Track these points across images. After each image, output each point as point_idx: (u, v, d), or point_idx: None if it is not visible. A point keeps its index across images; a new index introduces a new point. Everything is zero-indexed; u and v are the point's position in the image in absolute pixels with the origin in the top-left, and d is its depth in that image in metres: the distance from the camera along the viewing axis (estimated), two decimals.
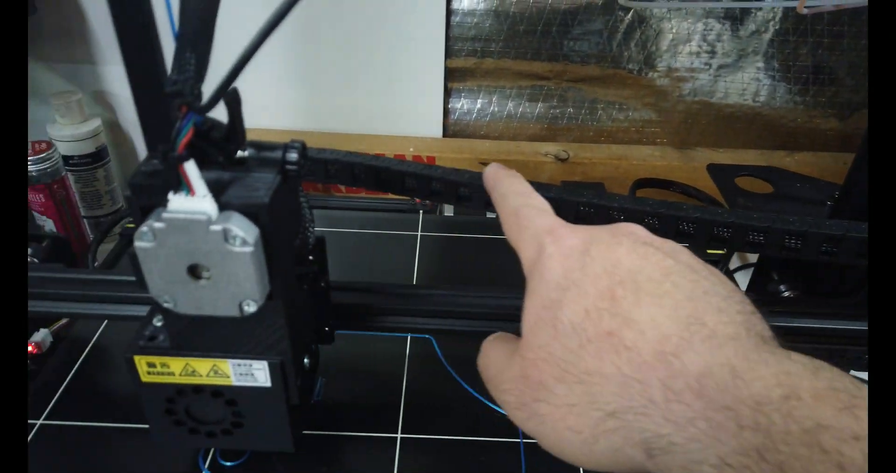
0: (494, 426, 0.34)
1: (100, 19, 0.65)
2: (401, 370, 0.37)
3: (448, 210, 0.57)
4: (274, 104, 0.69)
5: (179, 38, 0.23)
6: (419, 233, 0.49)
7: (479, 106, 0.72)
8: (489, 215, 0.55)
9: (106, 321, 0.40)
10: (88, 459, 0.32)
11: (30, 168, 0.59)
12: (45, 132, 0.65)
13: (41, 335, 0.38)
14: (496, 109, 0.72)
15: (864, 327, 0.33)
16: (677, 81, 0.68)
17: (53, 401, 0.35)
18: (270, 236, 0.23)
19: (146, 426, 0.29)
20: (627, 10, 0.64)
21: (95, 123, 0.67)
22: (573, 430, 0.21)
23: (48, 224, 0.61)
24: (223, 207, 0.22)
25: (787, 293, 0.35)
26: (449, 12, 0.65)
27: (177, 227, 0.21)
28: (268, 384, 0.27)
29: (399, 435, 0.33)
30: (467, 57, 0.68)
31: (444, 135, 0.72)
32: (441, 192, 0.34)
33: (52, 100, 0.64)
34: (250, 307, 0.23)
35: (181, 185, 0.21)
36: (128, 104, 0.71)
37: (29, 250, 0.36)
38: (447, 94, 0.71)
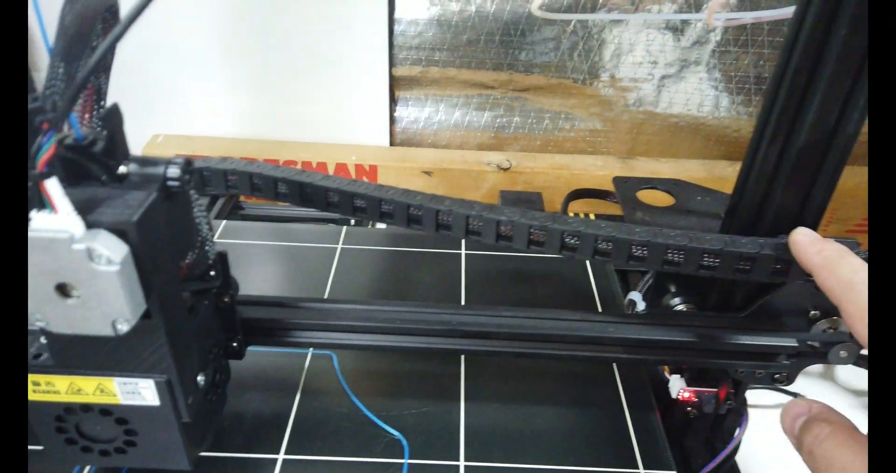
0: (384, 446, 0.34)
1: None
2: (295, 388, 0.37)
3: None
4: (218, 112, 0.69)
5: (52, 53, 0.23)
6: (339, 246, 0.49)
7: (426, 114, 0.71)
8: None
9: None
10: None
11: None
12: None
13: None
14: (444, 117, 0.71)
15: (753, 341, 0.33)
16: (622, 90, 0.69)
17: None
18: (142, 254, 0.22)
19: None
20: (569, 20, 0.64)
21: None
22: None
23: None
24: (91, 225, 0.21)
25: (681, 307, 0.34)
26: (392, 21, 0.65)
27: (38, 246, 0.21)
28: (156, 402, 0.27)
29: (281, 456, 0.33)
30: (412, 65, 0.68)
31: (392, 144, 0.72)
32: (364, 209, 0.33)
33: None
34: (124, 326, 0.23)
35: (45, 203, 0.21)
36: None
37: None
38: (393, 102, 0.70)
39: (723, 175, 0.66)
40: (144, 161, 0.24)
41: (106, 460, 0.29)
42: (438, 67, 0.68)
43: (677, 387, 0.37)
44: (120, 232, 0.22)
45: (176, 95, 0.68)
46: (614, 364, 0.39)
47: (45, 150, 0.21)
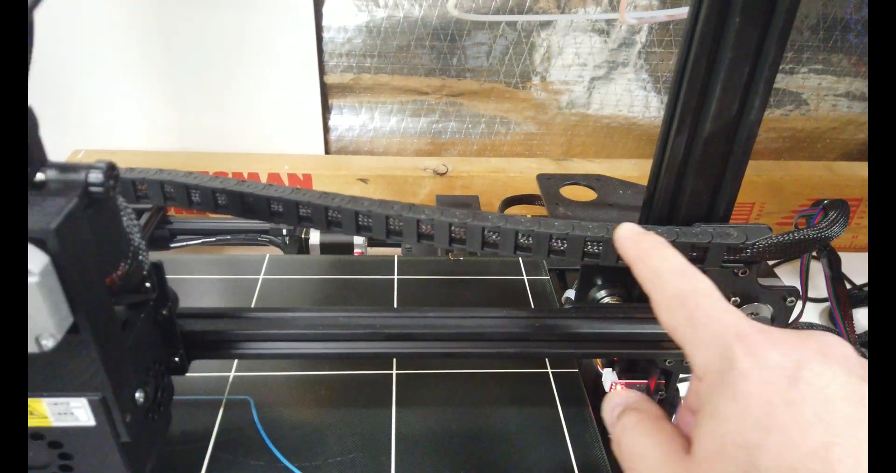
0: None
1: None
2: (207, 439, 0.34)
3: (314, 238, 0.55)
4: (142, 125, 0.67)
5: None
6: (261, 276, 0.47)
7: (361, 122, 0.71)
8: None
9: None
10: None
11: None
12: None
13: None
14: (379, 124, 0.71)
15: None
16: (554, 93, 0.69)
17: None
18: (65, 264, 0.21)
19: None
20: (497, 23, 0.65)
21: None
22: None
23: None
24: None
25: (607, 299, 0.35)
26: (320, 28, 0.64)
27: None
28: (92, 422, 0.25)
29: None
30: (344, 72, 0.67)
31: (327, 152, 0.71)
32: (310, 217, 0.32)
33: None
34: (48, 342, 0.21)
35: None
36: None
37: None
38: (327, 111, 0.70)
39: None
40: (64, 167, 0.22)
41: None
42: (370, 74, 0.67)
43: (609, 380, 0.37)
44: (39, 241, 0.20)
45: (96, 108, 0.65)
46: (546, 361, 0.39)
47: None
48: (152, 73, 0.64)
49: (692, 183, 0.31)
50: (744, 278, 0.32)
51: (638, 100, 0.70)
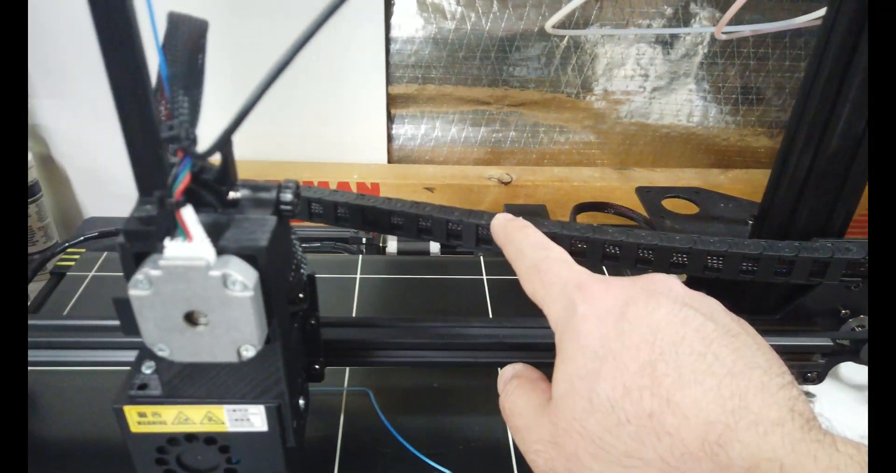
0: None
1: (32, 53, 0.63)
2: (336, 428, 0.36)
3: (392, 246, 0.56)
4: (216, 134, 0.68)
5: (170, 81, 0.23)
6: (358, 276, 0.48)
7: (422, 131, 0.72)
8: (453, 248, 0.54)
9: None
10: None
11: None
12: None
13: None
14: (440, 134, 0.72)
15: (790, 341, 0.34)
16: (614, 103, 0.70)
17: None
18: (269, 279, 0.22)
19: None
20: (562, 36, 0.66)
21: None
22: None
23: None
24: (221, 251, 0.21)
25: None
26: (388, 40, 0.65)
27: (174, 274, 0.21)
28: (264, 428, 0.26)
29: None
30: (409, 83, 0.68)
31: (389, 161, 0.73)
32: (430, 230, 0.33)
33: None
34: (249, 352, 0.23)
35: (178, 231, 0.21)
36: (60, 137, 0.69)
37: None
38: (390, 120, 0.71)
39: (717, 183, 0.68)
40: (255, 186, 0.24)
41: None
42: (435, 84, 0.69)
43: None
44: (250, 257, 0.22)
45: None
46: None
47: (181, 179, 0.21)
48: (226, 84, 0.66)
49: (812, 198, 0.31)
50: (856, 292, 0.33)
51: (698, 110, 0.71)
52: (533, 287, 0.25)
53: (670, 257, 0.31)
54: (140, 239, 0.22)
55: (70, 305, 0.44)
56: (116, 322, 0.31)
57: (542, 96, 0.70)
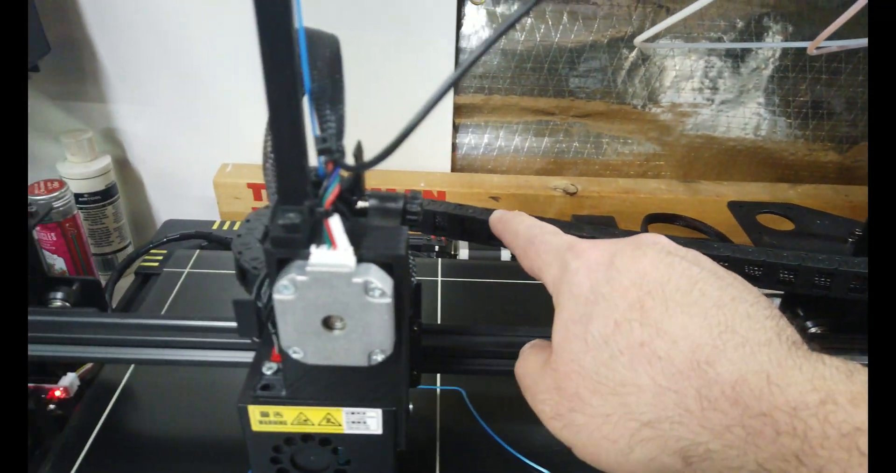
0: None
1: (112, 59, 0.65)
2: (433, 427, 0.36)
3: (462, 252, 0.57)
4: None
5: (316, 97, 0.24)
6: (439, 278, 0.49)
7: (486, 141, 0.73)
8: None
9: (133, 365, 0.40)
10: None
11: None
12: (56, 171, 0.65)
13: (69, 380, 0.37)
14: (503, 143, 0.73)
15: None
16: (680, 115, 0.70)
17: (83, 454, 0.34)
18: (402, 286, 0.23)
19: None
20: (631, 48, 0.66)
21: (105, 160, 0.67)
22: (609, 439, 0.22)
23: (59, 263, 0.60)
24: (360, 259, 0.22)
25: (813, 329, 0.35)
26: (458, 50, 0.66)
27: (319, 280, 0.22)
28: (379, 431, 0.27)
29: None
30: (475, 94, 0.69)
31: (452, 170, 0.73)
32: None
33: (62, 138, 0.65)
34: (379, 357, 0.24)
35: (324, 238, 0.22)
36: (137, 141, 0.71)
37: (59, 295, 0.35)
38: (455, 129, 0.72)
39: (785, 197, 0.68)
40: (383, 197, 0.25)
41: None
42: (501, 94, 0.69)
43: None
44: (387, 266, 0.22)
45: (243, 124, 0.69)
46: None
47: (331, 190, 0.22)
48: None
49: None
50: None
51: (766, 123, 0.70)
52: (530, 261, 0.27)
53: (777, 273, 0.31)
54: (285, 246, 0.23)
55: (167, 304, 0.46)
56: (215, 323, 0.32)
57: (607, 107, 0.70)
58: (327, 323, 0.23)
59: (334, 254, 0.22)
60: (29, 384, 0.37)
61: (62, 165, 0.65)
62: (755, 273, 0.31)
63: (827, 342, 0.34)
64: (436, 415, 0.37)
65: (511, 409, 0.38)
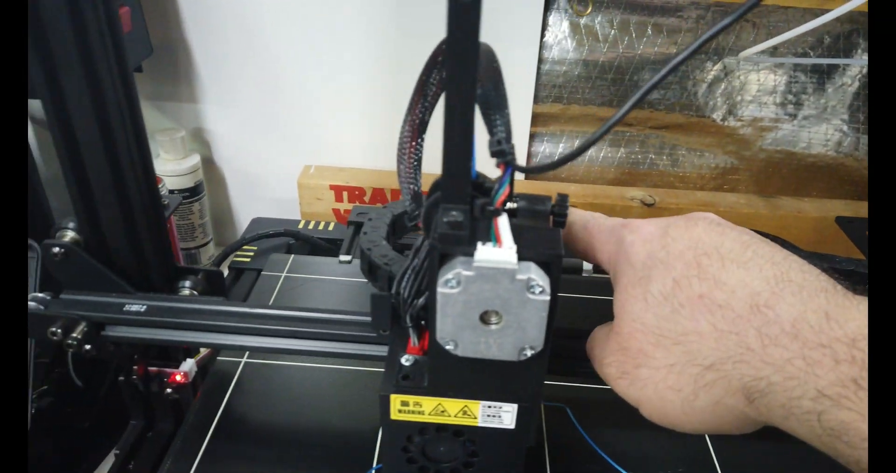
0: None
1: (204, 61, 0.68)
2: (541, 445, 0.37)
3: None
4: (365, 145, 0.72)
5: (483, 103, 0.25)
6: None
7: (560, 150, 0.73)
8: None
9: (247, 355, 0.41)
10: None
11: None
12: None
13: (188, 365, 0.39)
14: None
15: None
16: (760, 130, 0.70)
17: (201, 453, 0.36)
18: (557, 285, 0.24)
19: None
20: (715, 61, 0.66)
21: (195, 159, 0.70)
22: (674, 389, 0.23)
23: None
24: (520, 258, 0.23)
25: None
26: (540, 60, 0.67)
27: (484, 275, 0.23)
28: (511, 426, 0.28)
29: None
30: (553, 103, 0.70)
31: (526, 178, 0.74)
32: None
33: (157, 136, 0.67)
34: (528, 353, 0.25)
35: (489, 236, 0.23)
36: (223, 142, 0.74)
37: (188, 283, 0.37)
38: (530, 138, 0.72)
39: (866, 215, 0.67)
40: (531, 198, 0.26)
41: None
42: (579, 104, 0.70)
43: None
44: (545, 264, 0.23)
45: (326, 128, 0.71)
46: None
47: (503, 189, 0.23)
48: (377, 97, 0.69)
49: None
50: None
51: (849, 141, 0.69)
52: (584, 244, 0.28)
53: None
54: (451, 242, 0.24)
55: (272, 297, 0.48)
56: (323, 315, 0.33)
57: (685, 120, 0.70)
58: (484, 318, 0.24)
59: (499, 251, 0.23)
60: (151, 368, 0.39)
61: (156, 162, 0.68)
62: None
63: None
64: (543, 429, 0.38)
65: (615, 419, 0.39)
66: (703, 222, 0.25)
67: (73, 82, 0.30)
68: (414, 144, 0.30)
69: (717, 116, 0.69)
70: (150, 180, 0.34)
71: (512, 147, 0.24)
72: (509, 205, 0.27)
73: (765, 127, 0.70)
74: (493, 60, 0.27)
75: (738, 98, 0.68)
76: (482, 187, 0.26)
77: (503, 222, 0.24)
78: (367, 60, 0.67)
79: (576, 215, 0.30)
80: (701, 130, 0.70)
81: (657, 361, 0.23)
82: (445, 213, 0.25)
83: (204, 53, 0.68)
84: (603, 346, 0.26)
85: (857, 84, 0.66)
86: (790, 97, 0.68)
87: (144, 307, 0.34)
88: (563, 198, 0.27)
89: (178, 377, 0.39)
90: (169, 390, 0.40)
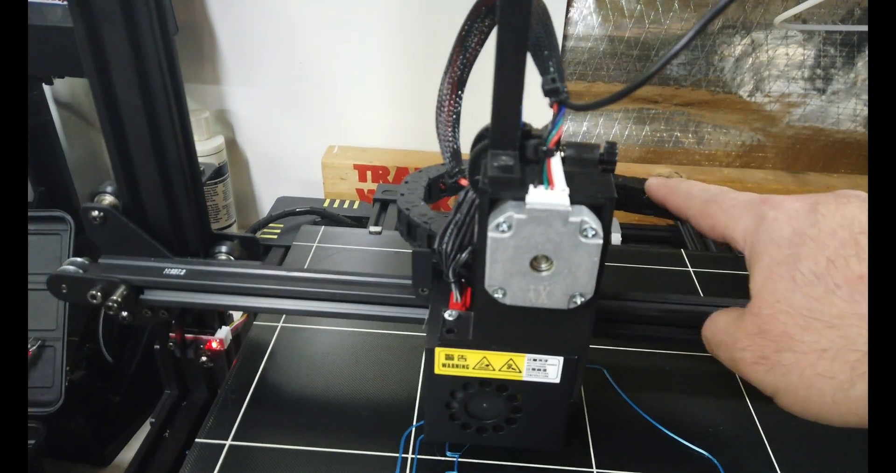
0: (695, 464, 0.33)
1: (228, 42, 0.68)
2: (579, 402, 0.37)
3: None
4: (388, 126, 0.72)
5: (534, 44, 0.25)
6: None
7: (584, 128, 0.73)
8: None
9: (283, 320, 0.42)
10: None
11: None
12: None
13: (224, 332, 0.39)
14: (602, 131, 0.73)
15: None
16: (788, 105, 0.69)
17: (238, 419, 0.36)
18: (608, 230, 0.24)
19: (332, 449, 0.31)
20: (744, 35, 0.65)
21: (219, 140, 0.70)
22: (825, 376, 0.21)
23: None
24: (572, 201, 0.23)
25: None
26: (565, 36, 0.67)
27: (537, 218, 0.23)
28: (556, 380, 0.28)
29: (595, 470, 0.33)
30: (578, 80, 0.69)
31: None
32: None
33: None
34: (578, 300, 0.24)
35: (542, 178, 0.23)
36: (246, 123, 0.74)
37: (224, 249, 0.37)
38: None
39: None
40: (579, 146, 0.25)
41: (480, 437, 0.30)
42: (604, 81, 0.69)
43: None
44: (597, 208, 0.23)
45: (350, 109, 0.71)
46: None
47: (556, 129, 0.23)
48: (401, 77, 0.69)
49: None
50: None
51: None
52: (712, 219, 0.27)
53: None
54: (502, 186, 0.24)
55: (305, 266, 0.48)
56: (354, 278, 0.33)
57: (711, 96, 0.69)
58: (534, 264, 0.24)
59: (551, 194, 0.23)
60: (187, 335, 0.39)
61: None
62: None
63: None
64: (581, 393, 0.37)
65: (651, 383, 0.38)
66: (856, 199, 0.23)
67: (115, 41, 0.30)
68: (453, 99, 0.29)
69: (743, 92, 0.68)
70: (189, 143, 0.34)
71: (565, 86, 0.24)
72: (560, 153, 0.26)
73: (792, 103, 0.69)
74: (540, 1, 0.27)
75: (766, 73, 0.67)
76: (529, 134, 0.26)
77: (556, 165, 0.24)
78: (391, 40, 0.66)
79: (697, 187, 0.29)
80: (727, 107, 0.70)
81: (805, 345, 0.22)
82: (495, 158, 0.25)
83: (228, 34, 0.68)
84: (733, 330, 0.25)
85: None
86: (819, 72, 0.67)
87: (184, 270, 0.34)
88: (611, 145, 0.26)
89: (214, 345, 0.39)
90: (204, 358, 0.40)
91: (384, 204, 0.42)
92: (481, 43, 0.27)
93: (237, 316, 0.42)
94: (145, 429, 0.44)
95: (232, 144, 0.75)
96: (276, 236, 0.57)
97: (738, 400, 0.37)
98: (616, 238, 0.57)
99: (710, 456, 0.33)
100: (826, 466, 0.34)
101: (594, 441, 0.35)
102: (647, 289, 0.47)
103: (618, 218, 0.61)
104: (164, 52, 0.32)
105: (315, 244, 0.50)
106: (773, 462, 0.34)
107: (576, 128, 0.73)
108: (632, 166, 0.70)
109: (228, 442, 0.34)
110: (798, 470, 0.33)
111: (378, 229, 0.39)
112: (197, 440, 0.34)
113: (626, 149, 0.73)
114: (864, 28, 0.61)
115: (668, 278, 0.48)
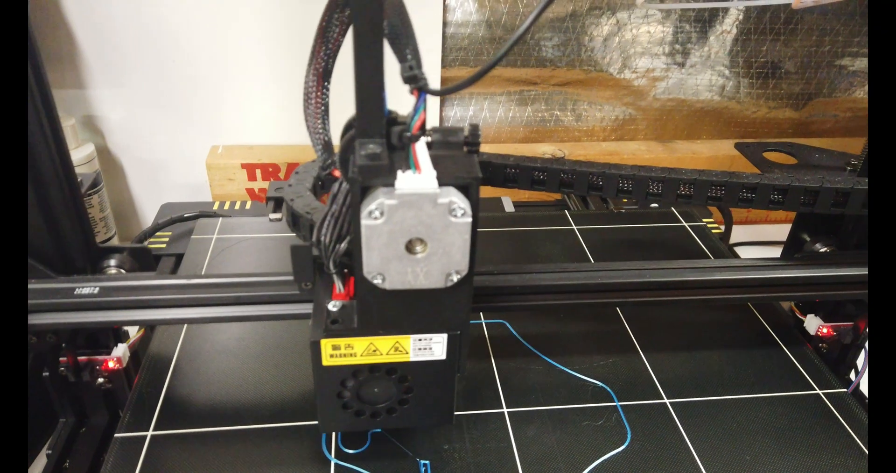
0: (591, 394, 0.37)
1: (91, 43, 0.64)
2: (486, 354, 0.39)
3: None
4: (271, 122, 0.70)
5: (391, 34, 0.24)
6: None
7: (471, 113, 0.75)
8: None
9: (185, 328, 0.40)
10: (209, 463, 0.32)
11: None
12: None
13: (121, 350, 0.37)
14: (487, 114, 0.75)
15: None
16: (653, 80, 0.74)
17: (157, 412, 0.35)
18: (476, 207, 0.24)
19: (257, 425, 0.31)
20: (610, 16, 0.69)
21: (89, 148, 0.66)
22: None
23: None
24: (440, 183, 0.23)
25: (823, 250, 0.39)
26: (444, 23, 0.68)
27: (407, 202, 0.23)
28: (443, 356, 0.28)
29: (506, 410, 0.35)
30: (460, 66, 0.71)
31: None
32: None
33: None
34: (454, 278, 0.25)
35: (409, 163, 0.23)
36: (118, 128, 0.69)
37: (113, 262, 0.35)
38: (441, 102, 0.73)
39: None
40: (444, 131, 0.26)
41: (373, 423, 0.30)
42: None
43: (815, 325, 0.41)
44: (464, 188, 0.24)
45: (228, 107, 0.68)
46: (755, 310, 0.44)
47: (418, 115, 0.23)
48: (280, 69, 0.67)
49: None
50: None
51: (731, 85, 0.75)
52: None
53: (770, 195, 0.34)
54: (371, 174, 0.24)
55: (206, 260, 0.46)
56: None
57: (586, 75, 0.73)
58: (409, 247, 0.25)
59: (419, 178, 0.23)
60: (80, 358, 0.37)
61: None
62: (777, 198, 0.34)
63: (837, 259, 0.38)
64: (487, 346, 0.40)
65: (549, 337, 0.41)
66: None
67: None
68: (320, 91, 0.29)
69: (613, 69, 0.73)
70: (63, 152, 0.32)
71: (423, 73, 0.24)
72: (426, 138, 0.27)
73: (657, 77, 0.74)
74: None
75: (632, 51, 0.72)
76: (395, 121, 0.26)
77: (421, 149, 0.24)
78: (268, 32, 0.65)
79: None
80: (600, 84, 0.74)
81: None
82: (362, 147, 0.25)
83: (88, 33, 0.63)
84: None
85: (734, 30, 0.71)
86: (678, 47, 0.72)
87: (72, 289, 0.32)
88: (474, 127, 0.27)
89: (111, 364, 0.37)
90: (101, 379, 0.38)
91: (278, 202, 0.41)
92: (343, 33, 0.27)
93: (133, 332, 0.40)
94: (41, 462, 0.41)
95: (104, 152, 0.70)
96: (164, 246, 0.55)
97: (625, 339, 0.41)
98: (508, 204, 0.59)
99: (605, 386, 0.37)
100: (700, 380, 0.38)
101: (502, 385, 0.37)
102: (537, 250, 0.50)
103: (510, 197, 0.64)
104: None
105: (214, 236, 0.48)
106: (657, 384, 0.38)
107: (462, 113, 0.74)
108: (518, 146, 0.73)
109: (150, 433, 0.33)
110: (679, 388, 0.38)
111: (278, 215, 0.38)
112: (116, 435, 0.33)
113: (511, 130, 0.76)
114: (718, 4, 0.67)
115: (554, 237, 0.51)
